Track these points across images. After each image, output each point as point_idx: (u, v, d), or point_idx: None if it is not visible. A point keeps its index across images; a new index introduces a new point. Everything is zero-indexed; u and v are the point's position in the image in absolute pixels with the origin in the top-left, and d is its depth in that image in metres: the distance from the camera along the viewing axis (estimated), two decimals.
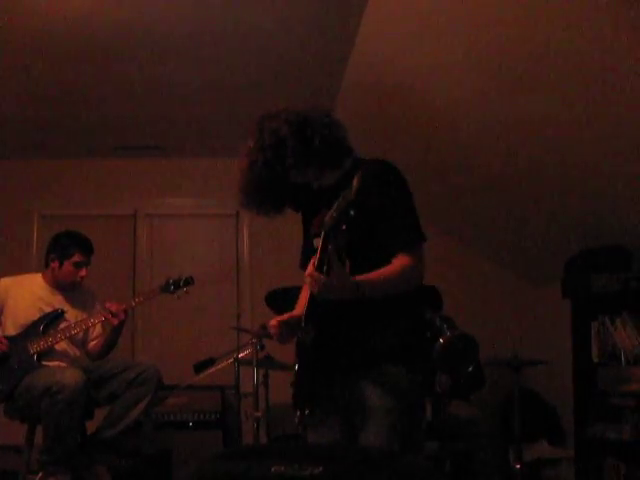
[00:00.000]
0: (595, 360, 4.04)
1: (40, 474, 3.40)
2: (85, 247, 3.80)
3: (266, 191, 2.21)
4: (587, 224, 4.16)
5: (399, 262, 2.09)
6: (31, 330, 3.65)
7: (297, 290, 2.46)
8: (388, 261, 2.10)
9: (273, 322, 2.24)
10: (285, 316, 2.26)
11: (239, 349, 4.15)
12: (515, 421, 3.95)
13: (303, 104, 2.23)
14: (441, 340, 3.49)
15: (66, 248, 3.78)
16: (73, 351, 3.78)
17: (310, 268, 1.99)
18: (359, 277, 2.02)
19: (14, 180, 5.72)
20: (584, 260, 4.20)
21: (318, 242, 2.03)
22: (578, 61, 2.98)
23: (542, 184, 4.10)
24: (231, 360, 4.11)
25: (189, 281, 3.86)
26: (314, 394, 2.18)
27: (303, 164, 2.15)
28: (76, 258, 3.76)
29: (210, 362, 4.14)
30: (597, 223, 4.09)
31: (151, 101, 4.67)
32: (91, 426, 3.74)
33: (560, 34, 2.91)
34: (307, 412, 2.12)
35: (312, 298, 2.08)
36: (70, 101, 4.62)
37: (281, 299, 3.92)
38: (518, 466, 3.96)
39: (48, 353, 3.63)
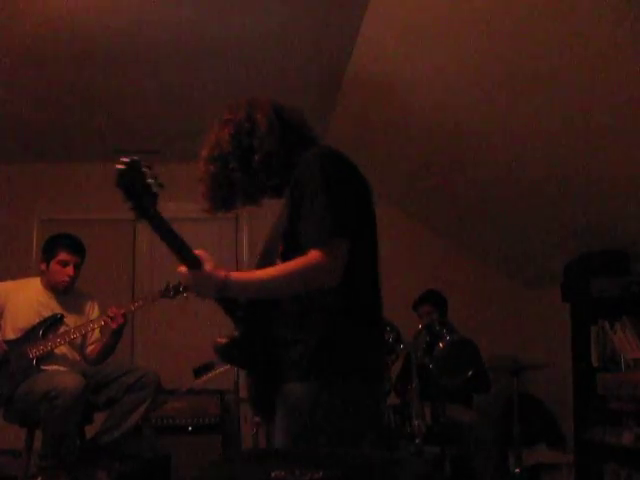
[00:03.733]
0: (595, 364, 4.03)
1: (39, 478, 3.39)
2: (70, 246, 3.79)
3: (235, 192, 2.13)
4: (586, 228, 4.16)
5: (300, 259, 1.86)
6: (30, 334, 3.64)
7: None
8: None
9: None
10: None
11: None
12: (515, 425, 3.95)
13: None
14: (440, 345, 3.50)
15: (51, 249, 3.80)
16: (72, 355, 3.78)
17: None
18: (234, 274, 1.91)
19: (14, 184, 5.72)
20: (584, 264, 4.19)
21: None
22: (578, 68, 2.99)
23: (541, 188, 4.10)
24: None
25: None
26: (255, 401, 2.18)
27: (253, 181, 2.08)
28: (61, 257, 3.76)
29: (209, 366, 4.13)
30: (596, 227, 4.09)
31: (150, 105, 4.68)
32: (90, 431, 3.74)
33: (564, 40, 2.92)
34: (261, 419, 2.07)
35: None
36: (70, 105, 4.63)
37: None
38: (518, 470, 3.96)
39: (47, 357, 3.62)
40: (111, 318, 3.64)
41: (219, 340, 2.08)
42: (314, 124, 2.24)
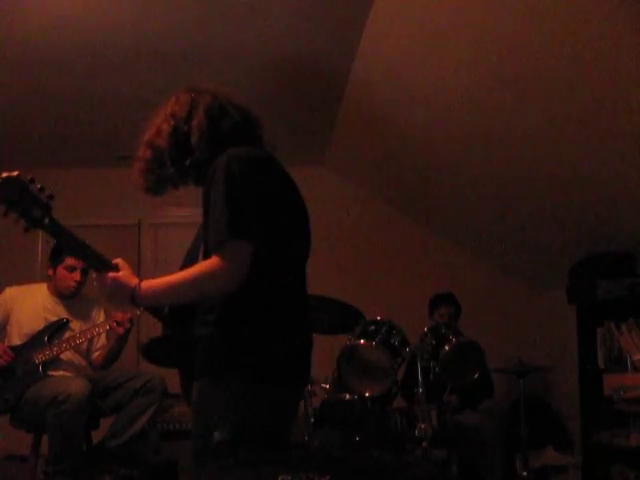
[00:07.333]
0: (601, 366, 4.03)
1: None
2: None
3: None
4: (592, 230, 4.16)
5: (199, 265, 1.87)
6: (36, 340, 3.65)
7: None
8: None
9: None
10: None
11: None
12: (521, 428, 3.94)
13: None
14: (446, 347, 3.49)
15: (58, 254, 3.80)
16: (78, 361, 3.78)
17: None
18: (145, 282, 1.90)
19: None
20: (589, 266, 4.19)
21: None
22: (579, 68, 2.99)
23: (546, 190, 4.10)
24: None
25: None
26: (186, 398, 2.12)
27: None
28: (68, 262, 3.76)
29: None
30: (602, 229, 4.08)
31: (153, 110, 4.68)
32: (97, 436, 3.74)
33: (562, 45, 2.92)
34: None
35: None
36: (74, 111, 4.64)
37: None
38: (525, 473, 3.95)
39: (53, 363, 3.63)
40: (117, 323, 3.65)
41: (145, 340, 2.12)
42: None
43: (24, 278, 4.12)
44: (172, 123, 2.14)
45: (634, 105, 3.00)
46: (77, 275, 3.78)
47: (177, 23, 3.61)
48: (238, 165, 1.91)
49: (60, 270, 3.78)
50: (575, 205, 4.05)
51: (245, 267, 1.82)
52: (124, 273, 1.94)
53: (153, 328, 5.55)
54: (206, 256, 1.89)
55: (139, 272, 5.71)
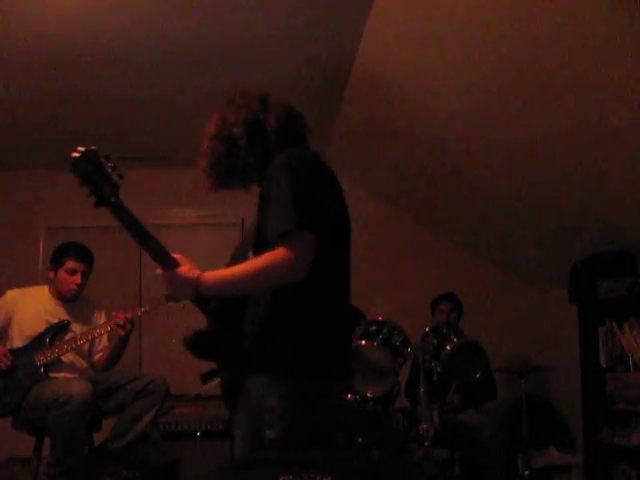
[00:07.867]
0: (603, 365, 4.03)
1: None
2: (77, 254, 3.79)
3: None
4: (593, 230, 4.16)
5: (266, 255, 1.87)
6: (37, 341, 3.65)
7: None
8: None
9: None
10: None
11: None
12: (523, 428, 3.94)
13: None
14: (448, 347, 3.49)
15: (59, 257, 3.81)
16: (80, 362, 3.78)
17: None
18: (208, 273, 1.94)
19: (20, 192, 5.73)
20: (590, 265, 4.19)
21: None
22: (587, 70, 2.99)
23: (547, 190, 4.10)
24: None
25: None
26: (224, 394, 2.15)
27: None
28: (69, 265, 3.76)
29: (217, 372, 4.13)
30: (603, 228, 4.08)
31: (157, 111, 4.69)
32: (99, 437, 3.74)
33: (562, 45, 2.92)
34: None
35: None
36: (76, 112, 4.64)
37: None
38: (527, 473, 3.95)
39: (55, 365, 3.63)
40: (118, 325, 3.65)
41: (188, 332, 2.12)
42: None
43: (25, 281, 4.13)
44: (246, 111, 2.14)
45: (635, 106, 3.00)
46: (78, 278, 3.78)
47: (178, 24, 3.61)
48: (299, 164, 1.96)
49: (61, 273, 3.78)
50: (575, 205, 4.05)
51: (309, 259, 1.86)
52: (184, 268, 1.97)
53: (155, 329, 5.57)
54: (260, 251, 1.91)
55: (141, 273, 5.72)
